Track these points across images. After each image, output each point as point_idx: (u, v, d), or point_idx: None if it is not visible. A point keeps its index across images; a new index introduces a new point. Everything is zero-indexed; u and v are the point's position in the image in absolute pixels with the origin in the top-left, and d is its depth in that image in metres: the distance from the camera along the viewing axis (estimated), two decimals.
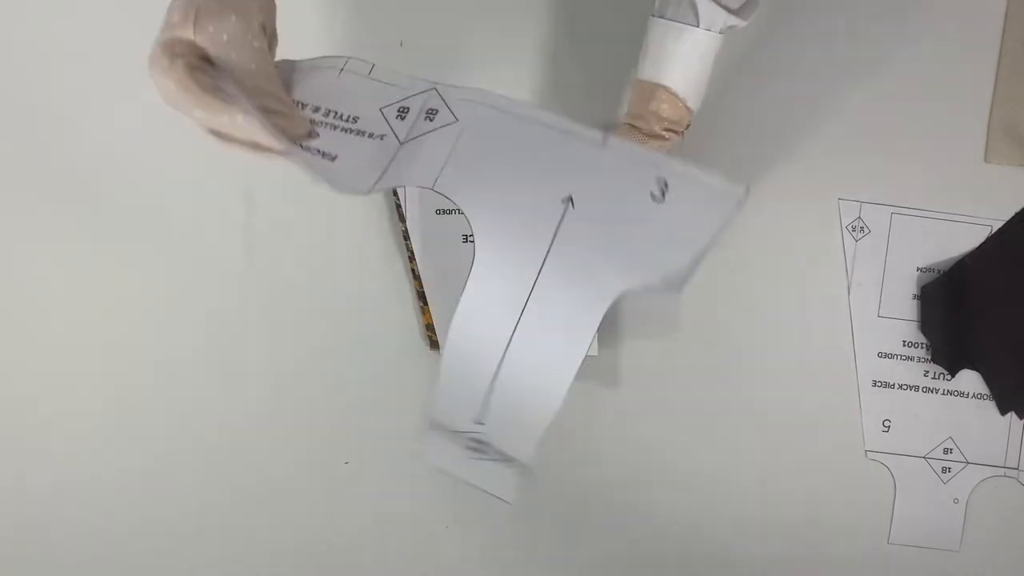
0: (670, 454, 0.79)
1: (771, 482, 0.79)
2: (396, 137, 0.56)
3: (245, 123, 0.51)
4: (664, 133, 0.68)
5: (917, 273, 0.80)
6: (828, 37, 0.81)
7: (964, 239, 0.81)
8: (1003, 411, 0.79)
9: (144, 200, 0.78)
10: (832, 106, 0.81)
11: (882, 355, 0.81)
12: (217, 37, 0.50)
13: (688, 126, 0.69)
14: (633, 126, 0.69)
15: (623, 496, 0.78)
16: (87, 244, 0.78)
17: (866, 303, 0.81)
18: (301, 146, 0.54)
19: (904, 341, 0.80)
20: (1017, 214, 0.81)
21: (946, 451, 0.80)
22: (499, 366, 0.52)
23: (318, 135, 0.56)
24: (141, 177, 0.78)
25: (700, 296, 0.80)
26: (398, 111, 0.57)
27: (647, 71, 0.67)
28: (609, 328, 0.79)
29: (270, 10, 0.54)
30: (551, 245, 0.51)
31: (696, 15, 0.64)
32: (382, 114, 0.56)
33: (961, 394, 0.80)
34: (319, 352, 0.78)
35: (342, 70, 0.57)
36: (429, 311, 0.77)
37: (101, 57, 0.79)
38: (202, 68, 0.51)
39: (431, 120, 0.55)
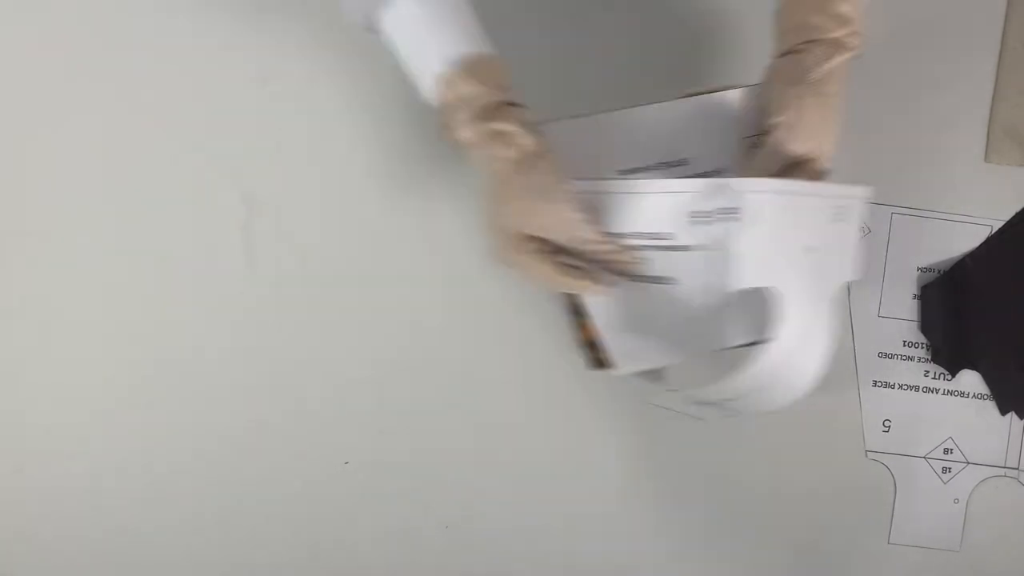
0: (669, 454, 0.79)
1: (771, 481, 0.79)
2: (708, 241, 0.59)
3: (603, 284, 0.59)
4: (848, 39, 0.59)
5: (917, 273, 0.80)
6: None
7: (964, 239, 0.81)
8: (1003, 411, 0.79)
9: (144, 199, 0.78)
10: None
11: (882, 355, 0.80)
12: (548, 228, 0.57)
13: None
14: (794, 52, 0.61)
15: (625, 495, 0.78)
16: (86, 243, 0.78)
17: (866, 303, 0.81)
18: (642, 276, 0.60)
19: (904, 341, 0.80)
20: (1017, 214, 0.81)
21: (946, 451, 0.80)
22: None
23: (650, 260, 0.59)
24: (140, 177, 0.78)
25: None
26: (698, 216, 0.59)
27: None
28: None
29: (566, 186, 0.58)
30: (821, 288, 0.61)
31: None
32: (689, 222, 0.59)
33: (961, 394, 0.80)
34: (319, 352, 0.78)
35: (630, 192, 0.60)
36: (589, 327, 0.65)
37: (100, 57, 0.79)
38: (546, 250, 0.58)
39: (728, 218, 0.58)
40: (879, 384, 0.80)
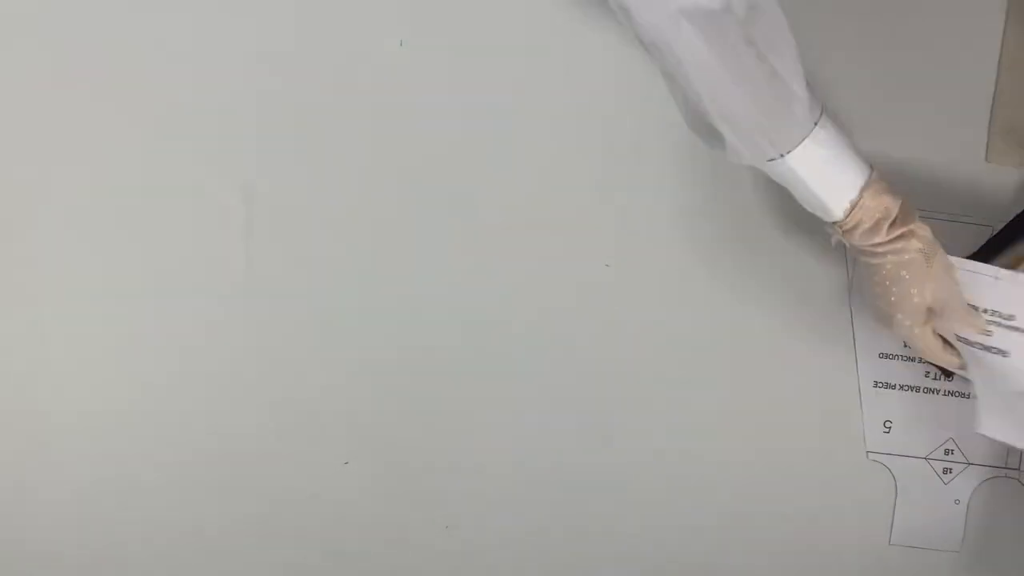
0: (671, 455, 0.79)
1: (772, 482, 0.79)
2: None
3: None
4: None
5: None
6: (828, 37, 0.81)
7: (965, 240, 0.81)
8: None
9: (143, 200, 0.78)
10: (832, 106, 0.81)
11: (883, 356, 0.80)
12: (947, 306, 0.68)
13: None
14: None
15: (625, 496, 0.78)
16: (86, 244, 0.77)
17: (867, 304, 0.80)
18: (980, 344, 0.70)
19: (905, 342, 0.80)
20: (1018, 215, 0.81)
21: (947, 452, 0.80)
22: None
23: (991, 333, 0.69)
24: (140, 177, 0.78)
25: (701, 297, 0.80)
26: None
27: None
28: (611, 328, 0.79)
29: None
30: None
31: None
32: None
33: (962, 395, 0.80)
34: (318, 352, 0.78)
35: (997, 278, 0.70)
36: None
37: (98, 58, 0.79)
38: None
39: None
40: (880, 385, 0.80)
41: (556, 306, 0.79)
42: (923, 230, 0.67)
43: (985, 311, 0.71)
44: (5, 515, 0.76)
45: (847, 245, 0.67)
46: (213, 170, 0.78)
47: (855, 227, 0.65)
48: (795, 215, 0.80)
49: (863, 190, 0.65)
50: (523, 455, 0.78)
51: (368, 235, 0.79)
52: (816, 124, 0.63)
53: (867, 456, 0.79)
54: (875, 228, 0.65)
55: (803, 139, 0.62)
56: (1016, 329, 0.70)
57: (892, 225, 0.66)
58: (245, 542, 0.76)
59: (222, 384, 0.77)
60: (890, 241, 0.66)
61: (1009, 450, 0.79)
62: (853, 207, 0.65)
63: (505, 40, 0.79)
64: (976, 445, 0.79)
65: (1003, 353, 0.70)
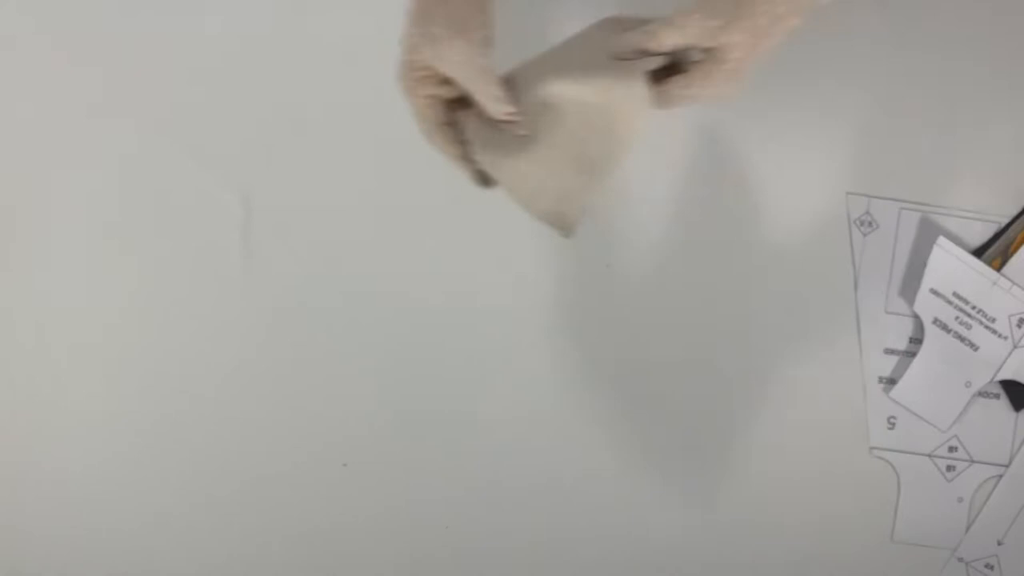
0: (671, 453, 0.78)
1: (775, 478, 0.79)
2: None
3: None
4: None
5: (924, 269, 0.79)
6: (839, 32, 0.80)
7: (972, 235, 0.80)
8: (1017, 407, 0.79)
9: (143, 200, 0.77)
10: (841, 100, 0.80)
11: (888, 351, 0.80)
12: (450, 60, 0.57)
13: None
14: None
15: (625, 494, 0.78)
16: (85, 244, 0.77)
17: (873, 299, 0.80)
18: (956, 334, 0.77)
19: (911, 338, 0.80)
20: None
21: (951, 449, 0.79)
22: None
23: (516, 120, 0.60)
24: (139, 177, 0.77)
25: (706, 291, 0.79)
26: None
27: None
28: (612, 328, 0.79)
29: (489, 25, 0.59)
30: None
31: None
32: (1008, 321, 0.77)
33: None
34: (318, 352, 0.77)
35: (995, 283, 0.77)
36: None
37: (98, 58, 0.77)
38: (440, 97, 0.60)
39: None
40: (884, 380, 0.80)
41: (556, 306, 0.78)
42: None
43: (973, 307, 0.78)
44: (5, 516, 0.76)
45: None
46: (214, 171, 0.77)
47: None
48: (796, 213, 0.80)
49: None
50: (522, 454, 0.77)
51: (368, 234, 0.78)
52: None
53: (871, 452, 0.79)
54: None
55: None
56: (994, 332, 0.78)
57: None
58: (245, 542, 0.76)
59: (221, 384, 0.76)
60: None
61: (1014, 448, 0.79)
62: None
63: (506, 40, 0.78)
64: (980, 443, 0.79)
65: (974, 347, 0.78)
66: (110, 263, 0.76)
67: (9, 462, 0.76)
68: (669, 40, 0.58)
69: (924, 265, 0.79)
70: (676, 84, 0.60)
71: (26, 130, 0.77)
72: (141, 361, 0.76)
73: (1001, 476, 0.79)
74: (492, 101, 0.58)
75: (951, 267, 0.78)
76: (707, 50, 0.59)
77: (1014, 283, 0.78)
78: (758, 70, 0.62)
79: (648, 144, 0.78)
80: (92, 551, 0.76)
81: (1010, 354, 0.78)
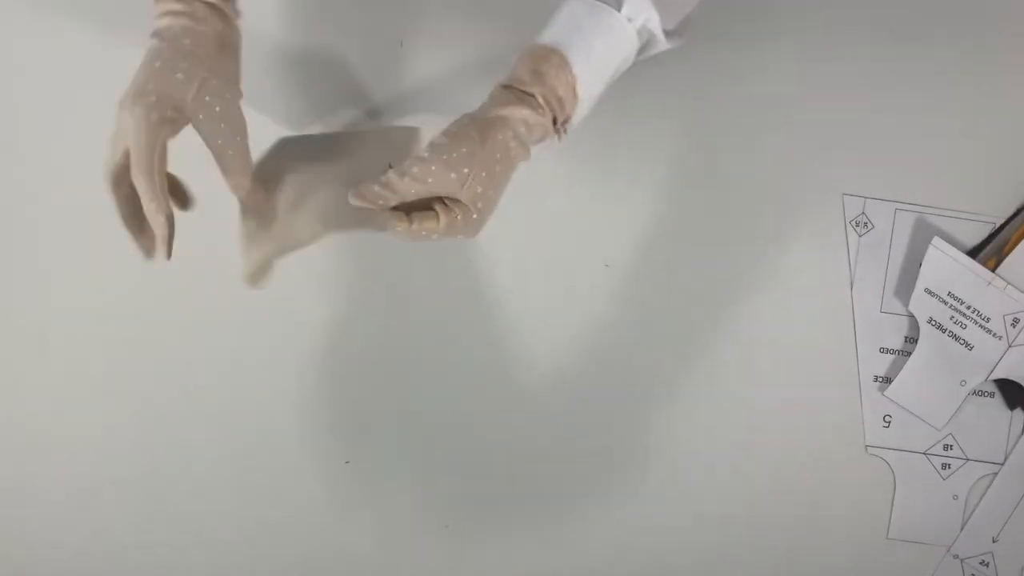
0: (672, 449, 0.79)
1: (771, 476, 0.79)
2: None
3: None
4: (542, 103, 0.59)
5: (920, 269, 0.79)
6: (837, 36, 0.80)
7: (967, 235, 0.80)
8: (1012, 406, 0.79)
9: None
10: (838, 102, 0.80)
11: (884, 350, 0.80)
12: (210, 109, 0.56)
13: (568, 121, 0.61)
14: (509, 87, 0.60)
15: (625, 493, 0.78)
16: (84, 245, 0.76)
17: (868, 298, 0.80)
18: (951, 333, 0.78)
19: (906, 337, 0.80)
20: (1019, 209, 0.81)
21: (946, 447, 0.80)
22: None
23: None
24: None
25: (703, 290, 0.79)
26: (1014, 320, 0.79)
27: (547, 36, 0.60)
28: (612, 328, 0.79)
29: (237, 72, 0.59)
30: None
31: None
32: (1003, 320, 0.79)
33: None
34: (318, 352, 0.77)
35: (990, 283, 0.78)
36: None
37: (96, 59, 0.77)
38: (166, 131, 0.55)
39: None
40: (880, 379, 0.80)
41: (556, 306, 0.78)
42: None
43: (968, 307, 0.79)
44: (5, 516, 0.76)
45: None
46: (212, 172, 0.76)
47: None
48: (793, 214, 0.80)
49: None
50: (522, 453, 0.78)
51: (367, 234, 0.77)
52: None
53: (866, 450, 0.80)
54: None
55: None
56: (989, 331, 0.79)
57: None
58: (245, 542, 0.76)
59: (222, 384, 0.76)
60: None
61: (1008, 446, 0.80)
62: None
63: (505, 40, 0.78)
64: (975, 441, 0.80)
65: (969, 347, 0.78)
66: (110, 263, 0.76)
67: (9, 463, 0.76)
68: (409, 191, 0.58)
69: (919, 265, 0.79)
70: (418, 221, 0.60)
71: (27, 131, 0.77)
72: (140, 361, 0.76)
73: (996, 474, 0.80)
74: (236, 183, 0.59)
75: (946, 267, 0.79)
76: (448, 198, 0.60)
77: (1008, 283, 0.78)
78: None
79: (647, 147, 0.79)
80: (92, 551, 0.76)
81: (1005, 353, 0.78)
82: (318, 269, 0.77)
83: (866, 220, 0.80)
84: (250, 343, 0.77)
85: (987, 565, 0.79)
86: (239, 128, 0.57)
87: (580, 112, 0.61)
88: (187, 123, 0.56)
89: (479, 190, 0.58)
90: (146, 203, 0.56)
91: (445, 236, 0.60)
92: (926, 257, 0.79)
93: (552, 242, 0.78)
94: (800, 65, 0.80)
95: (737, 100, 0.80)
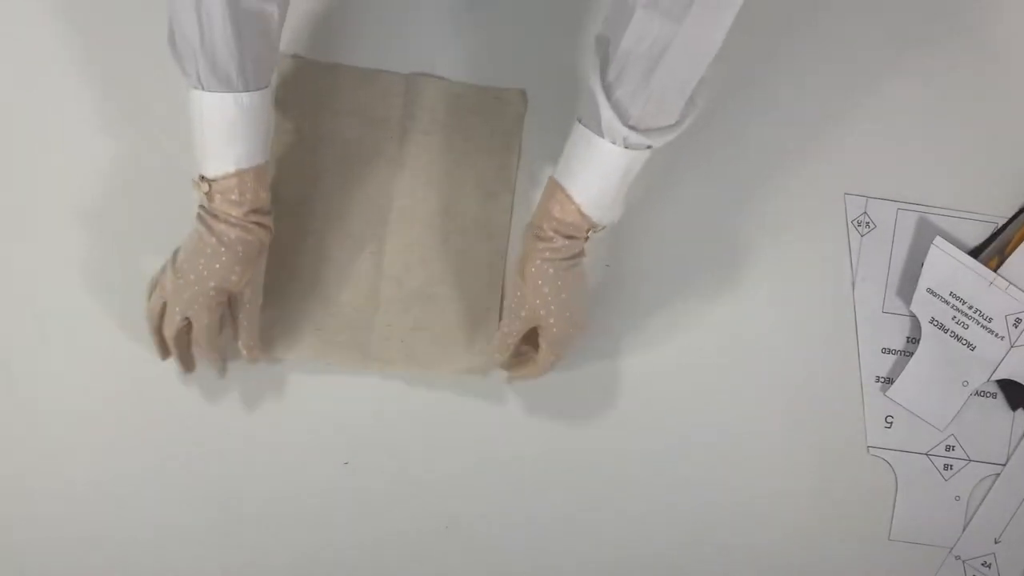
0: (672, 450, 0.78)
1: (773, 476, 0.79)
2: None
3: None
4: (552, 234, 0.67)
5: (922, 269, 0.79)
6: (839, 38, 0.80)
7: (969, 235, 0.80)
8: (1014, 407, 0.79)
9: (142, 199, 0.77)
10: (840, 102, 0.80)
11: (886, 351, 0.80)
12: (245, 298, 0.71)
13: (589, 233, 0.68)
14: (532, 228, 0.69)
15: (626, 493, 0.78)
16: (84, 245, 0.76)
17: (870, 299, 0.80)
18: (953, 333, 0.79)
19: (908, 337, 0.80)
20: (1020, 209, 0.81)
21: (948, 448, 0.80)
22: None
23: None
24: (141, 180, 0.77)
25: (705, 289, 0.79)
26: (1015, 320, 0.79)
27: (557, 170, 0.68)
28: (613, 329, 0.79)
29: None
30: None
31: (599, 124, 0.63)
32: (1005, 320, 0.79)
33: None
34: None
35: (992, 283, 0.78)
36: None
37: (96, 64, 0.78)
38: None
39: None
40: (882, 380, 0.80)
41: None
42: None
43: (970, 307, 0.78)
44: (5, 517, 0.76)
45: None
46: None
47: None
48: (794, 214, 0.80)
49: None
50: (521, 453, 0.77)
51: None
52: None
53: (868, 451, 0.79)
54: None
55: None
56: (991, 331, 0.78)
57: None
58: (245, 542, 0.76)
59: (222, 384, 0.76)
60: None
61: (1010, 447, 0.80)
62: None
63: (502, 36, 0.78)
64: (977, 442, 0.80)
65: (971, 347, 0.78)
66: (108, 264, 0.76)
67: (10, 462, 0.76)
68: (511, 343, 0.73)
69: (921, 265, 0.79)
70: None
71: (27, 131, 0.77)
72: (139, 361, 0.75)
73: (998, 475, 0.80)
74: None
75: (948, 267, 0.79)
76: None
77: (1011, 283, 0.78)
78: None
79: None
80: (92, 551, 0.76)
81: (1007, 353, 0.78)
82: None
83: (868, 220, 0.80)
84: None
85: (989, 566, 0.79)
86: (256, 310, 0.72)
87: (604, 217, 0.68)
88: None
89: (541, 313, 0.69)
90: (205, 356, 0.72)
91: (550, 359, 0.72)
92: (928, 257, 0.79)
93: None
94: (801, 65, 0.80)
95: (737, 100, 0.80)
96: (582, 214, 0.66)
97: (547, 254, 0.68)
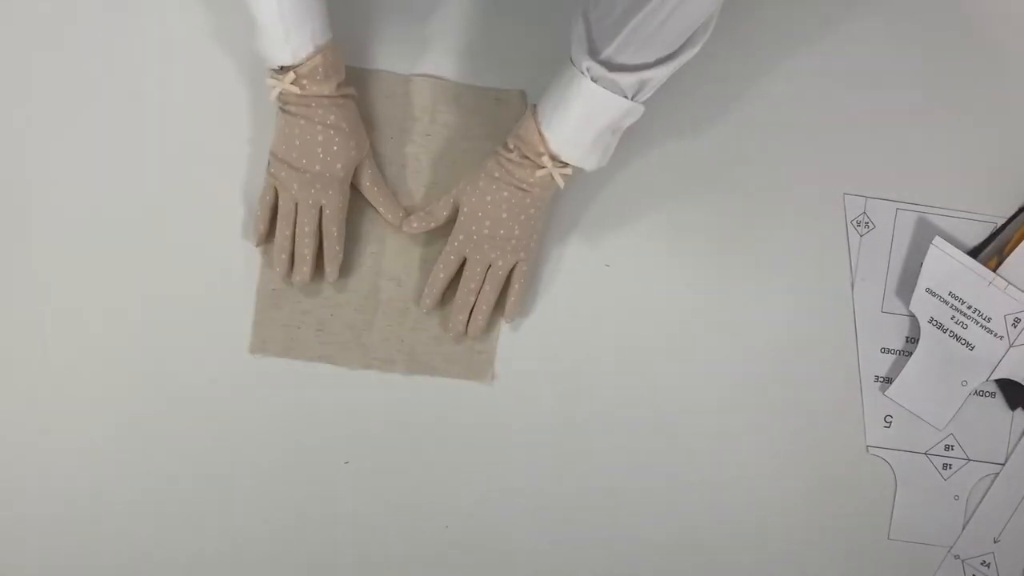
0: (672, 452, 0.79)
1: (773, 476, 0.79)
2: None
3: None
4: (512, 147, 0.70)
5: (921, 269, 0.79)
6: (839, 38, 0.80)
7: (968, 235, 0.80)
8: (1013, 406, 0.79)
9: (143, 198, 0.77)
10: (839, 102, 0.80)
11: (885, 351, 0.80)
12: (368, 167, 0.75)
13: (549, 163, 0.69)
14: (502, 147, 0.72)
15: (627, 494, 0.78)
16: (85, 249, 0.76)
17: (869, 299, 0.80)
18: (952, 333, 0.79)
19: (907, 337, 0.80)
20: (1020, 209, 0.81)
21: (947, 448, 0.80)
22: None
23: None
24: (140, 181, 0.77)
25: (705, 290, 0.79)
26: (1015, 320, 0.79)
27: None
28: (612, 328, 0.79)
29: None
30: None
31: (572, 53, 0.65)
32: (1004, 320, 0.79)
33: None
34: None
35: (991, 283, 0.78)
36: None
37: (98, 59, 0.77)
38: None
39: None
40: (881, 379, 0.80)
41: (556, 305, 0.78)
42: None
43: (969, 307, 0.78)
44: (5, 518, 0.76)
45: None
46: (214, 171, 0.77)
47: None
48: (793, 213, 0.80)
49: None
50: (521, 452, 0.78)
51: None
52: None
53: (867, 451, 0.80)
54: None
55: None
56: (990, 331, 0.78)
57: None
58: (245, 541, 0.76)
59: (222, 384, 0.76)
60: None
61: (1009, 447, 0.80)
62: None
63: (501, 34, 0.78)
64: (976, 441, 0.80)
65: (970, 347, 0.78)
66: (110, 264, 0.76)
67: (11, 463, 0.76)
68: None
69: (920, 265, 0.79)
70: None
71: (28, 132, 0.77)
72: (140, 361, 0.76)
73: (997, 474, 0.80)
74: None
75: (947, 267, 0.79)
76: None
77: (1010, 283, 0.78)
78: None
79: (647, 147, 0.79)
80: (93, 551, 0.76)
81: (1006, 353, 0.78)
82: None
83: (867, 220, 0.80)
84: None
85: (988, 566, 0.79)
86: (381, 175, 0.76)
87: (570, 155, 0.69)
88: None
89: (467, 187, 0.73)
90: (331, 245, 0.74)
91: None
92: (927, 257, 0.79)
93: (552, 242, 0.78)
94: (800, 64, 0.80)
95: (737, 100, 0.80)
96: (541, 134, 0.68)
97: (501, 160, 0.71)
